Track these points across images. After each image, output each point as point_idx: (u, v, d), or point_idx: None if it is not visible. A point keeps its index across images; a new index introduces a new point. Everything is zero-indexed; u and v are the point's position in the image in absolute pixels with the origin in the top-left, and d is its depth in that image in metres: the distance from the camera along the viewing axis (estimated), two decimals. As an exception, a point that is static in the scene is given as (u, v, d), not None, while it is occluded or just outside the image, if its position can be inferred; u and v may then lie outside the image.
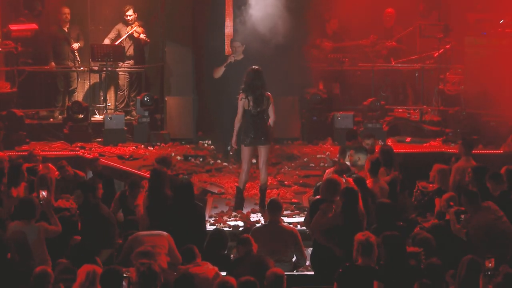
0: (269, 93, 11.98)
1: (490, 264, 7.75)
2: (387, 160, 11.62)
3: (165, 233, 9.59)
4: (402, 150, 14.37)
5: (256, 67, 12.04)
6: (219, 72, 13.97)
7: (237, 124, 11.96)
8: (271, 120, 12.02)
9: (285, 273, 8.37)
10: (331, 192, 9.80)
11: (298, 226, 11.37)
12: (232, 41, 13.80)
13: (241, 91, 11.92)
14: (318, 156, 14.95)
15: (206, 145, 15.79)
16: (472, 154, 12.44)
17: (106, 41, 16.72)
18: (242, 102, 11.84)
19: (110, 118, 15.84)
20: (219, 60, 14.15)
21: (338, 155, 12.37)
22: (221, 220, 11.78)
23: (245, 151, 12.03)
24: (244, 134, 11.97)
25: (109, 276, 7.87)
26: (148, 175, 12.63)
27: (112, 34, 16.80)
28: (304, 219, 11.03)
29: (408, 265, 8.32)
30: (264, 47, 15.01)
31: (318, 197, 10.22)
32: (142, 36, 16.68)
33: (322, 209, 9.60)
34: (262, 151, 12.03)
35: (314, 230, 9.66)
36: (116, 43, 16.63)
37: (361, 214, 9.63)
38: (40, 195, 9.77)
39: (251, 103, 11.82)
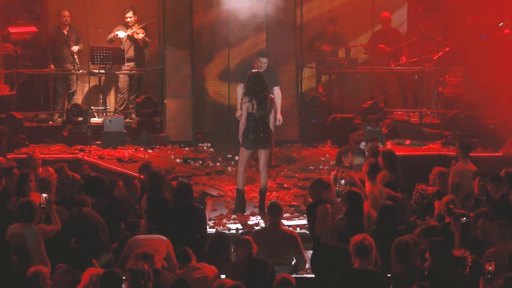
0: (272, 95, 11.98)
1: (490, 267, 7.73)
2: (389, 164, 11.64)
3: (164, 238, 9.59)
4: (401, 153, 14.36)
5: (256, 70, 12.05)
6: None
7: (241, 128, 11.95)
8: (271, 123, 11.99)
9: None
10: (316, 191, 9.89)
11: (298, 228, 11.36)
12: (259, 56, 13.07)
13: (244, 95, 11.90)
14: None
15: (205, 147, 15.80)
16: (469, 157, 12.44)
17: (120, 30, 16.66)
18: (246, 106, 11.82)
19: (110, 120, 15.84)
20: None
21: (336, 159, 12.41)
22: (221, 223, 11.76)
23: (245, 153, 12.03)
24: (244, 136, 11.95)
25: (108, 279, 7.87)
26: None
27: (111, 34, 16.77)
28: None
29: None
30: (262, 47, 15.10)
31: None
32: (141, 35, 16.63)
33: (320, 214, 9.57)
34: (263, 154, 12.02)
35: (323, 236, 9.65)
36: (126, 33, 16.61)
37: (365, 218, 9.60)
38: (41, 199, 9.77)
39: (255, 107, 11.81)
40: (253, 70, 12.10)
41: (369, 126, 15.58)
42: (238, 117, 13.01)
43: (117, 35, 16.59)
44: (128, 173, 13.71)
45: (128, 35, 16.67)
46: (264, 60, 12.98)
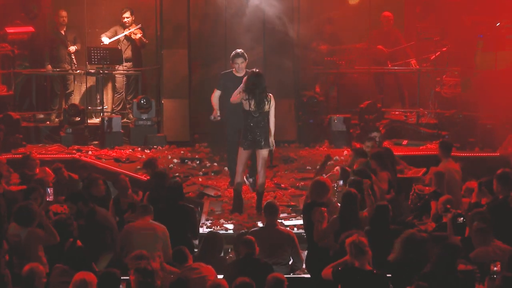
0: (270, 94, 11.92)
1: (495, 268, 7.70)
2: (381, 164, 11.62)
3: (162, 226, 9.72)
4: (399, 153, 14.35)
5: (257, 70, 11.99)
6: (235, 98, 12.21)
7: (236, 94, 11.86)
8: (270, 123, 11.92)
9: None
10: (319, 194, 9.90)
11: (295, 229, 11.34)
12: (234, 57, 12.72)
13: (243, 92, 11.81)
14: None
15: (202, 147, 15.80)
16: (451, 156, 12.42)
17: (105, 36, 16.62)
18: (242, 100, 11.77)
19: (107, 121, 15.84)
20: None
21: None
22: (218, 223, 11.75)
23: (243, 153, 11.99)
24: (242, 136, 11.93)
25: (106, 279, 7.86)
26: (145, 178, 12.68)
27: (109, 33, 16.75)
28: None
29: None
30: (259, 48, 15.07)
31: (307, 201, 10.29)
32: (139, 35, 16.62)
33: (316, 220, 9.56)
34: (261, 154, 11.99)
35: (320, 241, 9.66)
36: (113, 39, 16.58)
37: (360, 218, 9.61)
38: (50, 192, 9.81)
39: (252, 106, 11.78)
40: (254, 70, 12.00)
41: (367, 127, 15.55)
42: (213, 117, 12.75)
43: (102, 42, 16.55)
44: (126, 173, 13.72)
45: (125, 35, 16.66)
46: (240, 61, 12.66)
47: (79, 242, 9.24)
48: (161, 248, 9.68)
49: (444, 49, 16.35)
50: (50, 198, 9.95)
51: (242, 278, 7.85)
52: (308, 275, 9.87)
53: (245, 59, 12.71)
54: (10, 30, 16.27)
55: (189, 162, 14.87)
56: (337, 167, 11.85)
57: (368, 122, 15.83)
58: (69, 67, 16.84)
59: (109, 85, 17.29)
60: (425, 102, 16.78)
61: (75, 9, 16.79)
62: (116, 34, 16.71)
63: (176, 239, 9.83)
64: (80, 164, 13.47)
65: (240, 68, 12.69)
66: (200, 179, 13.87)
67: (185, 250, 9.06)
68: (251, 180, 12.76)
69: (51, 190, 10.00)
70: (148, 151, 15.51)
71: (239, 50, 12.80)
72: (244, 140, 11.91)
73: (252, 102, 11.76)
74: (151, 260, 8.43)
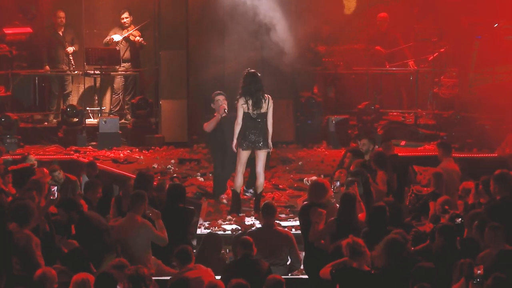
0: (268, 95, 11.91)
1: (479, 271, 7.69)
2: (379, 165, 11.61)
3: (144, 220, 9.80)
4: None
5: (253, 70, 11.98)
6: (210, 126, 12.66)
7: (237, 128, 11.86)
8: (268, 124, 11.90)
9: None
10: (317, 195, 9.91)
11: (293, 229, 11.33)
12: (215, 95, 12.70)
13: (239, 96, 11.84)
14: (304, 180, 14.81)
15: (201, 148, 15.80)
16: (452, 156, 12.42)
17: (116, 33, 16.65)
18: (241, 106, 11.76)
19: (105, 121, 15.85)
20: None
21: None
22: (216, 224, 11.74)
23: (242, 154, 11.97)
24: (242, 137, 11.91)
25: (103, 281, 7.84)
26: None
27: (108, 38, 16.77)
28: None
29: None
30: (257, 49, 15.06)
31: (305, 202, 10.28)
32: (138, 38, 16.65)
33: (314, 220, 9.59)
34: (261, 155, 11.97)
35: (316, 241, 9.69)
36: (124, 35, 16.61)
37: (358, 221, 9.61)
38: (53, 191, 9.81)
39: (250, 107, 11.77)
40: (250, 70, 12.00)
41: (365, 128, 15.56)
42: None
43: (112, 39, 16.58)
44: (124, 174, 13.71)
45: (124, 36, 16.66)
46: (221, 98, 12.62)
47: (76, 243, 9.23)
48: (154, 239, 9.81)
49: (442, 50, 16.36)
50: (55, 197, 9.91)
51: (237, 279, 7.84)
52: (306, 276, 9.87)
53: (225, 97, 12.71)
54: (8, 30, 16.29)
55: (187, 163, 14.86)
56: (340, 169, 11.87)
57: (366, 123, 15.84)
58: (67, 68, 16.85)
59: (107, 86, 17.28)
60: (423, 103, 16.79)
61: (73, 10, 16.79)
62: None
63: (176, 241, 9.81)
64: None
65: (222, 102, 12.68)
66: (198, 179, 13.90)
67: (189, 250, 8.98)
68: (251, 191, 12.72)
69: (55, 189, 9.97)
70: (146, 152, 15.51)
71: (217, 91, 12.82)
72: (243, 141, 11.90)
73: (250, 102, 11.75)
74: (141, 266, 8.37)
